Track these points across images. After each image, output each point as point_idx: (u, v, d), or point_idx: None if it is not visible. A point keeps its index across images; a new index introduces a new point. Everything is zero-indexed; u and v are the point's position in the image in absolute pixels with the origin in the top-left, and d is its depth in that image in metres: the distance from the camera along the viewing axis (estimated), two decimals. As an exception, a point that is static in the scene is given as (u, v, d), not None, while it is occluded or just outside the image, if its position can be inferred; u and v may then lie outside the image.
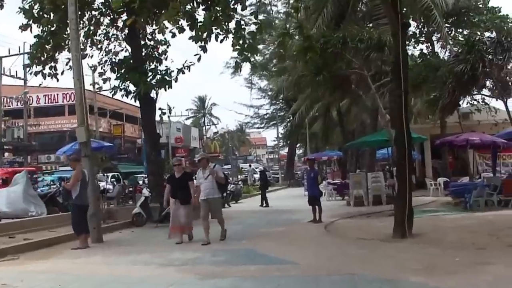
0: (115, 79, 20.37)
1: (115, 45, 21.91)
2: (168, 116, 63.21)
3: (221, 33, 17.39)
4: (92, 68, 22.20)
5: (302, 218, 18.67)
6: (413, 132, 17.51)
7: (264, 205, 27.09)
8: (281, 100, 62.44)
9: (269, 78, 42.32)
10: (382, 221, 17.20)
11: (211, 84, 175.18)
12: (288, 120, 60.00)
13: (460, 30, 31.48)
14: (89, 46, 21.61)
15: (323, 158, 38.54)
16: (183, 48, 22.66)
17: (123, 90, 20.31)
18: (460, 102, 25.41)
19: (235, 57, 18.42)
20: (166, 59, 21.33)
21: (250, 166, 62.78)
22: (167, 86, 20.14)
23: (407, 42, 21.60)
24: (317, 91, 23.15)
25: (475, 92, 24.53)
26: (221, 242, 13.66)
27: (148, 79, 19.90)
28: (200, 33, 17.54)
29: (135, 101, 20.88)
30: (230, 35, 17.27)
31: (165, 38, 21.82)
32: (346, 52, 19.37)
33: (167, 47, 21.76)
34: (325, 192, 28.61)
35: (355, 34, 19.24)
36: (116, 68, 20.58)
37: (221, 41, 17.79)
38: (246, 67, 71.16)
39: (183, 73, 20.40)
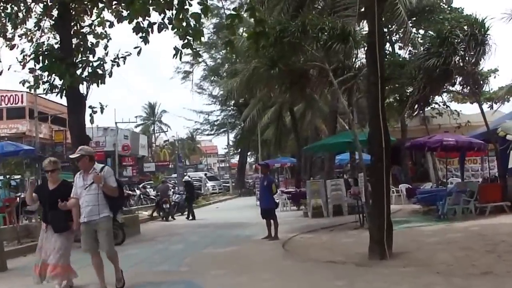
0: (37, 70, 16.98)
1: (49, 37, 18.58)
2: (116, 123, 59.98)
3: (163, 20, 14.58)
4: (22, 63, 18.51)
5: (255, 234, 15.75)
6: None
7: (191, 218, 24.26)
8: (232, 106, 59.75)
9: (220, 84, 39.21)
10: (348, 235, 14.57)
11: (162, 91, 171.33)
12: (239, 127, 57.28)
13: (422, 32, 29.37)
14: (19, 37, 18.27)
15: (276, 165, 35.64)
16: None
17: (46, 84, 16.96)
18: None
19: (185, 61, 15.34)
20: (107, 54, 18.03)
21: (206, 175, 59.71)
22: (99, 81, 17.06)
23: (363, 43, 19.16)
24: (271, 86, 20.20)
25: (446, 89, 22.03)
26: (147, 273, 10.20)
27: (78, 72, 16.74)
28: (136, 12, 14.69)
29: (61, 97, 17.53)
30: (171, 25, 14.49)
31: (105, 31, 18.65)
32: (305, 43, 16.58)
33: (108, 41, 18.58)
34: (279, 201, 25.80)
35: (315, 23, 16.46)
36: (40, 59, 17.17)
37: (160, 30, 15.00)
38: (198, 71, 68.50)
39: (118, 65, 17.39)
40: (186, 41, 13.34)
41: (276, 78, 17.74)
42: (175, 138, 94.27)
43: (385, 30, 28.64)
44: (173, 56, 13.25)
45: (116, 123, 60.50)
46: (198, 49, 19.58)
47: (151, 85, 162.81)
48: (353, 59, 18.66)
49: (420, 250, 11.20)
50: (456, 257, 10.03)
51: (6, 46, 18.36)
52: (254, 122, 33.66)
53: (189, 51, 14.26)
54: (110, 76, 17.37)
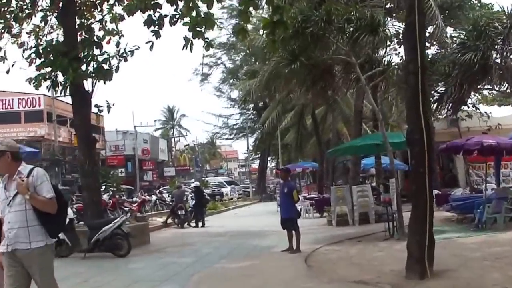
0: (38, 65, 15.49)
1: (58, 34, 17.12)
2: (135, 126, 58.61)
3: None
4: (29, 60, 16.87)
5: (274, 245, 14.02)
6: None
7: (200, 225, 22.80)
8: (251, 110, 58.27)
9: (238, 85, 37.59)
10: (379, 248, 12.79)
11: (180, 94, 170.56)
12: (259, 131, 55.76)
13: (450, 30, 27.58)
14: (27, 34, 16.99)
15: (297, 170, 33.79)
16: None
17: (48, 81, 15.49)
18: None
19: (203, 63, 13.72)
20: (119, 51, 16.42)
21: (232, 183, 58.02)
22: (106, 78, 15.59)
23: (388, 43, 17.46)
24: (291, 85, 18.46)
25: (483, 87, 20.10)
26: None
27: (83, 68, 15.30)
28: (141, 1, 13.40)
29: (64, 95, 16.18)
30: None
31: (117, 28, 17.13)
32: (330, 35, 14.93)
33: (120, 37, 17.08)
34: (301, 208, 24.14)
35: (341, 12, 14.82)
36: (43, 54, 15.71)
37: (172, 23, 13.62)
38: (216, 74, 67.09)
39: (126, 60, 15.94)
40: (196, 31, 11.85)
41: (297, 74, 16.07)
42: (195, 142, 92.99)
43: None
44: (183, 48, 11.66)
45: (135, 126, 59.29)
46: (215, 48, 18.00)
47: (170, 89, 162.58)
48: (382, 53, 16.95)
49: (465, 267, 9.43)
50: (510, 277, 8.29)
51: (12, 43, 17.10)
52: (273, 125, 31.98)
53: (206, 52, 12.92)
54: (116, 72, 15.93)
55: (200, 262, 11.76)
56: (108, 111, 16.62)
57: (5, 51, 16.51)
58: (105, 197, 21.78)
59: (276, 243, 14.21)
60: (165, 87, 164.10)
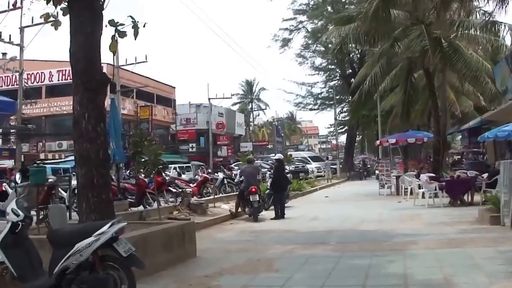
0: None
1: None
2: (210, 99, 52.06)
3: None
4: None
5: (442, 279, 6.46)
6: None
7: (280, 214, 15.28)
8: (337, 78, 50.83)
9: (331, 32, 29.63)
10: None
11: (259, 65, 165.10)
12: (346, 101, 48.34)
13: None
14: None
15: (408, 141, 25.38)
16: None
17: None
18: None
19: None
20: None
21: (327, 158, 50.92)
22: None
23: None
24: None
25: None
26: None
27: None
28: None
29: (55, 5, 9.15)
30: None
31: None
32: None
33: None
34: (423, 191, 16.76)
35: None
36: None
37: None
38: (298, 39, 59.78)
39: None
40: None
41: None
42: (274, 117, 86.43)
43: None
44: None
45: (209, 99, 53.17)
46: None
47: (248, 61, 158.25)
48: None
49: None
50: None
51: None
52: (375, 82, 23.99)
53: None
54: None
55: None
56: (135, 35, 9.49)
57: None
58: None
59: (441, 271, 6.88)
60: (244, 60, 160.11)
